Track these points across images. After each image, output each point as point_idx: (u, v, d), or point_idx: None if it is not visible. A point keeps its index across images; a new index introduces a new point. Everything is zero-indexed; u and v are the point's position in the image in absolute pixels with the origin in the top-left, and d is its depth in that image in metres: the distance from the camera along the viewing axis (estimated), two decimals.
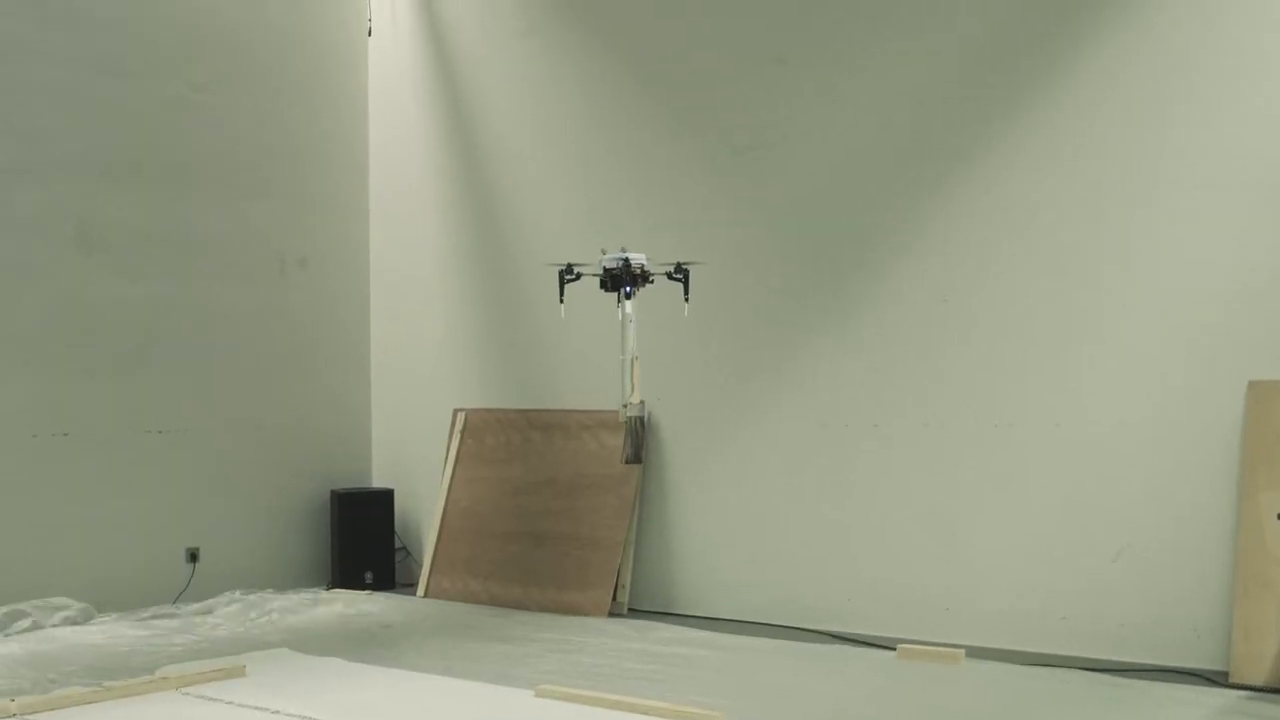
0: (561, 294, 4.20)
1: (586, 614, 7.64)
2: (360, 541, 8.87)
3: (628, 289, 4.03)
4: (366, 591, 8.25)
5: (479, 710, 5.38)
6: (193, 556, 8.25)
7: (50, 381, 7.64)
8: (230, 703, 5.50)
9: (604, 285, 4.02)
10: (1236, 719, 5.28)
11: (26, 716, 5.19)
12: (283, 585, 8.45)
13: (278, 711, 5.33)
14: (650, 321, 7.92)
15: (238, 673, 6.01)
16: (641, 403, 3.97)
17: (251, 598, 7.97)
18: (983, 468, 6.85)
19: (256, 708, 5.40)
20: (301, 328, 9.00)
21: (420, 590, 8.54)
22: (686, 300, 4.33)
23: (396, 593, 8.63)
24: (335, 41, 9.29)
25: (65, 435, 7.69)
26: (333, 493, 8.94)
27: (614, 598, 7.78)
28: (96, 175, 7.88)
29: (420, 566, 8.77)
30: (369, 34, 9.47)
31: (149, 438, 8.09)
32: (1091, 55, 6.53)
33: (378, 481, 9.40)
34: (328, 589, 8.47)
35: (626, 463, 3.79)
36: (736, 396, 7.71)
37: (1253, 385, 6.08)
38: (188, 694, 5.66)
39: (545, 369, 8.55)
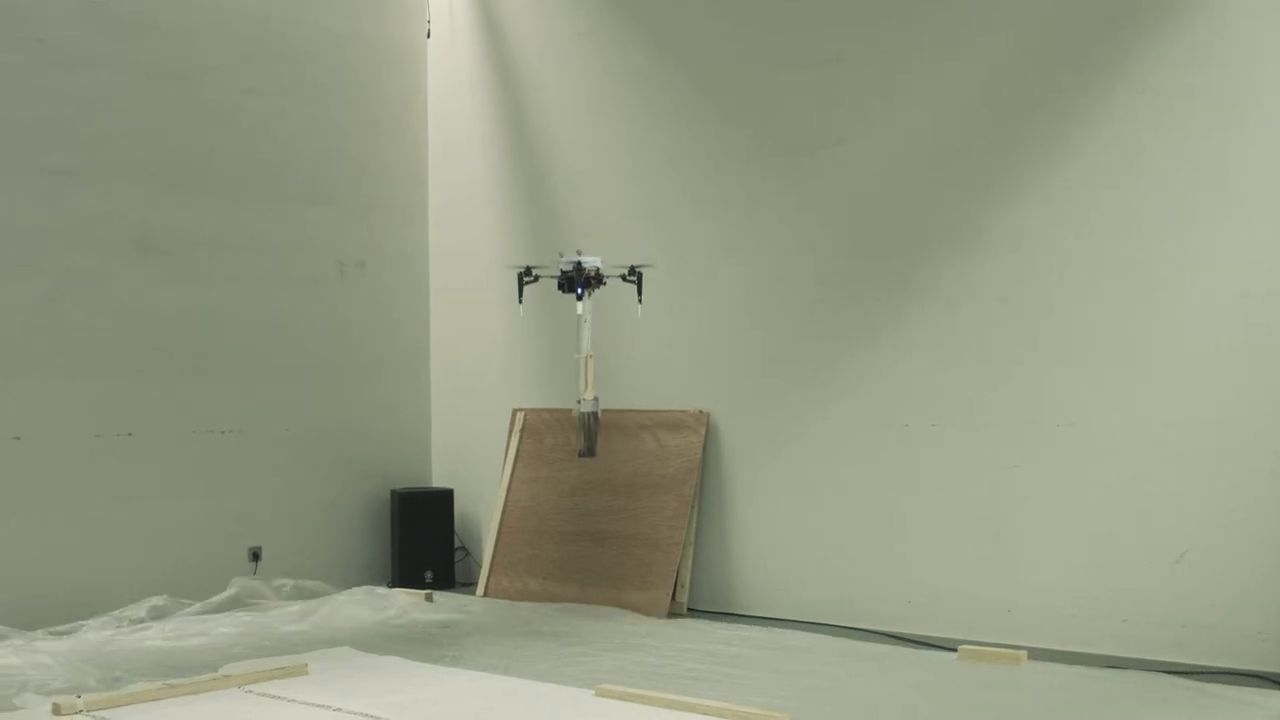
0: (520, 295, 4.37)
1: (646, 614, 7.64)
2: (420, 541, 8.92)
3: (579, 290, 4.17)
4: (426, 591, 8.29)
5: (539, 709, 5.40)
6: (255, 556, 8.33)
7: (112, 383, 7.74)
8: (293, 700, 5.54)
9: (561, 287, 4.18)
10: None
11: (92, 713, 5.25)
12: (343, 584, 8.50)
13: (340, 709, 5.37)
14: (710, 323, 7.99)
15: (300, 671, 6.05)
16: (595, 398, 4.07)
17: (313, 597, 8.02)
18: (1044, 468, 6.81)
19: (319, 705, 5.44)
20: (361, 330, 9.06)
21: (480, 589, 8.58)
22: (640, 301, 4.46)
23: (456, 592, 8.67)
24: (394, 44, 9.34)
25: (129, 436, 7.78)
26: (393, 492, 9.00)
27: (673, 597, 7.79)
28: (156, 181, 7.96)
29: (480, 566, 8.81)
30: (428, 35, 9.51)
31: (211, 439, 8.17)
32: (1159, 52, 6.47)
33: (437, 481, 9.45)
34: (388, 588, 8.51)
35: (580, 455, 3.92)
36: (795, 397, 7.70)
37: None
38: (250, 692, 5.71)
39: (604, 368, 8.53)
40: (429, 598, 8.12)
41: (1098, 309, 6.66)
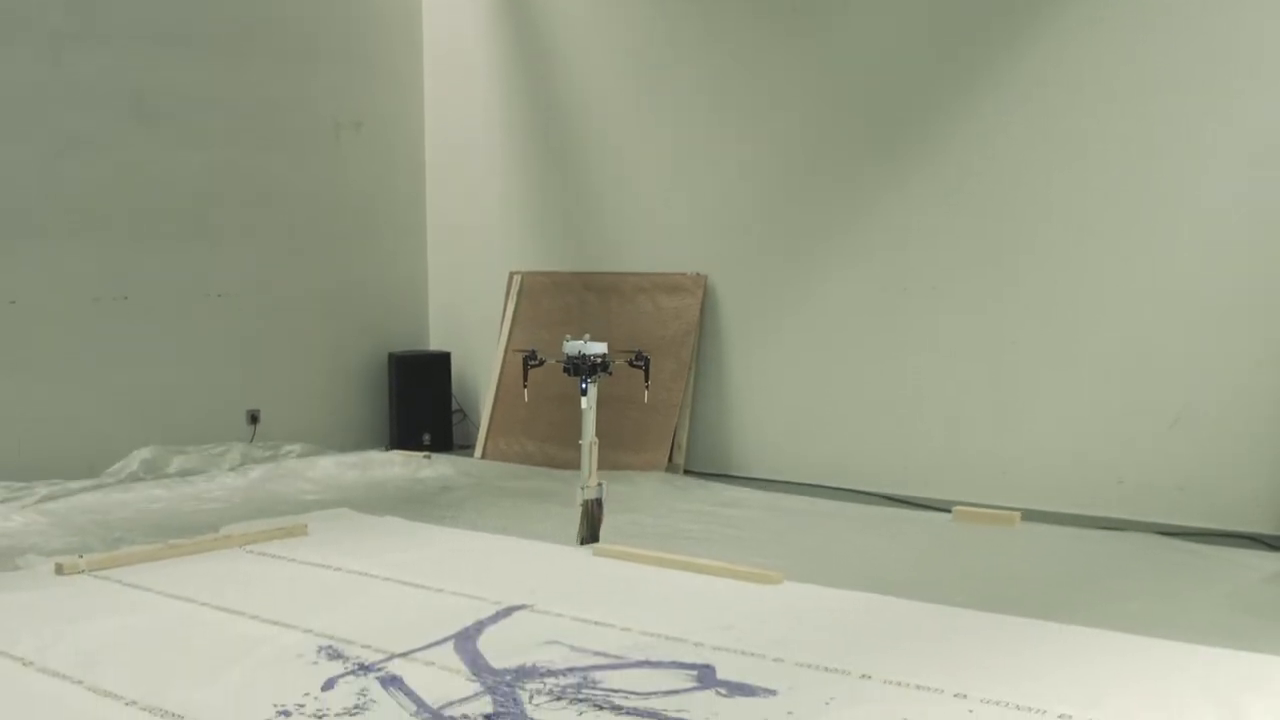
0: (525, 379, 4.33)
1: (643, 475, 7.68)
2: (418, 404, 8.95)
3: (584, 384, 4.12)
4: (424, 453, 8.33)
5: (537, 568, 5.44)
6: (253, 418, 8.36)
7: (109, 247, 7.70)
8: (293, 560, 5.59)
9: (567, 371, 4.11)
10: None
11: (94, 573, 5.30)
12: (342, 446, 8.54)
13: (339, 568, 5.42)
14: (709, 186, 7.93)
15: (299, 531, 6.10)
16: (600, 484, 4.00)
17: (311, 458, 8.06)
18: (1042, 331, 6.80)
19: (319, 565, 5.49)
20: (357, 192, 8.99)
21: (477, 452, 8.62)
22: (646, 388, 4.42)
23: (454, 454, 8.71)
24: None
25: (125, 299, 7.75)
26: (390, 355, 9.00)
27: (670, 459, 7.83)
28: (152, 42, 7.85)
29: (477, 428, 8.84)
30: None
31: (208, 302, 8.15)
32: None
33: (435, 344, 9.45)
34: (386, 450, 8.56)
35: (582, 544, 3.86)
36: (793, 260, 7.66)
37: None
38: (251, 551, 5.76)
39: (602, 231, 8.51)
40: (427, 460, 8.15)
41: (1101, 174, 6.59)
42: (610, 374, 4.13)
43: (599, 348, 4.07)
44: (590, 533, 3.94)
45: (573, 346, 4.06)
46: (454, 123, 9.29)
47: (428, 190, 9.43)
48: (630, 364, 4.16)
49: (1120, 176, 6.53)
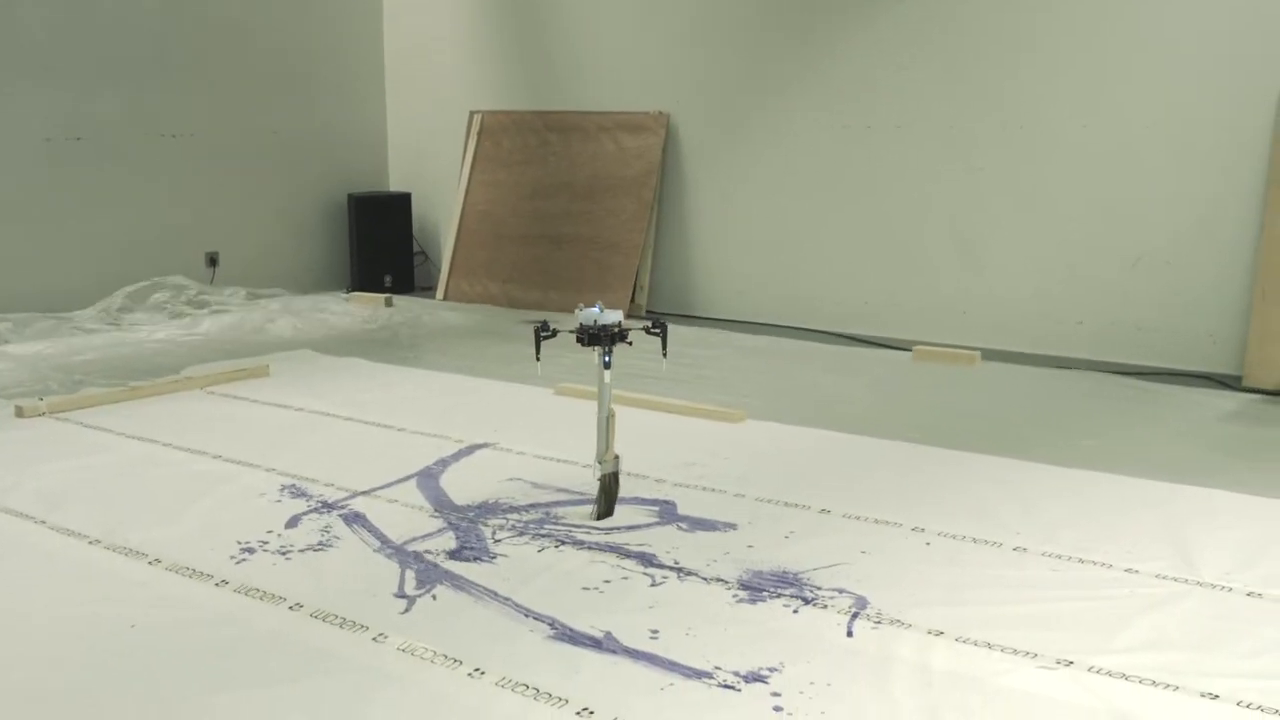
0: (538, 352, 4.06)
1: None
2: (379, 245, 8.89)
3: (608, 358, 3.89)
4: (386, 295, 8.30)
5: (500, 407, 5.46)
6: (212, 261, 8.28)
7: (61, 87, 7.53)
8: (255, 401, 5.58)
9: (580, 341, 3.88)
10: (1246, 421, 5.34)
11: (55, 415, 5.28)
12: (302, 289, 8.49)
13: (302, 409, 5.41)
14: (672, 22, 7.80)
15: (261, 373, 6.09)
16: (616, 458, 3.87)
17: (271, 300, 8.02)
18: (1006, 170, 6.78)
19: (281, 405, 5.49)
20: (314, 29, 8.81)
21: (439, 294, 8.59)
22: (664, 355, 4.22)
23: (416, 296, 8.68)
24: None
25: (78, 140, 7.61)
26: (350, 196, 8.90)
27: (633, 300, 7.82)
28: None
29: (439, 270, 8.80)
30: None
31: (163, 142, 8.02)
32: None
33: (395, 185, 9.35)
34: (347, 292, 8.51)
35: (598, 519, 3.74)
36: (757, 99, 7.58)
37: None
38: (213, 393, 5.74)
39: (563, 69, 8.39)
40: (388, 302, 8.12)
41: (1067, 17, 6.50)
42: (630, 344, 3.98)
43: (615, 315, 3.90)
44: (606, 508, 3.89)
45: (588, 315, 3.88)
46: None
47: (385, 28, 9.24)
48: (647, 331, 4.03)
49: (1087, 19, 6.44)
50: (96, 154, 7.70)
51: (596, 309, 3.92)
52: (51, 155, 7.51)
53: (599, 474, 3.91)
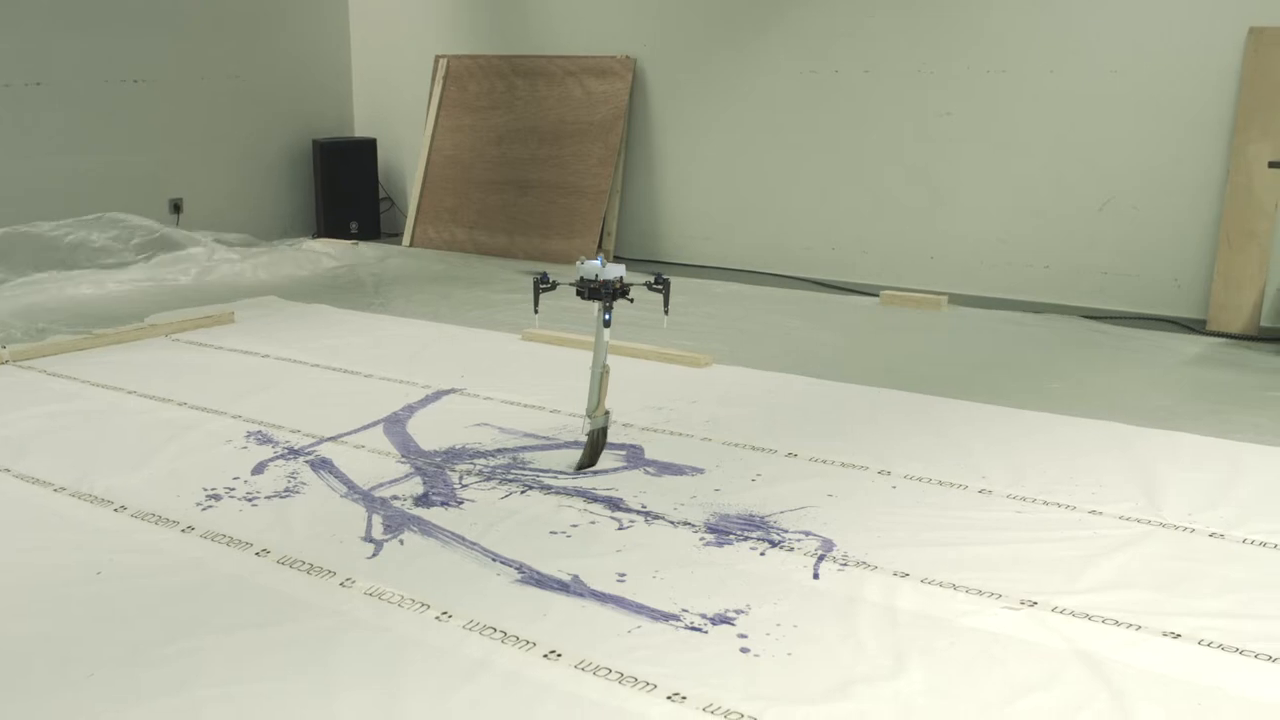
0: (536, 305, 3.96)
1: (572, 262, 7.65)
2: (344, 191, 8.82)
3: (608, 315, 3.77)
4: (352, 241, 8.25)
5: (467, 353, 5.45)
6: (176, 208, 8.21)
7: (18, 31, 7.41)
8: (220, 348, 5.55)
9: (580, 294, 3.75)
10: (1210, 364, 5.37)
11: (18, 364, 5.24)
12: (268, 235, 8.43)
13: (267, 355, 5.39)
14: None
15: (226, 319, 6.05)
16: (607, 413, 3.81)
17: (236, 247, 7.96)
18: (973, 115, 6.77)
19: (246, 352, 5.46)
20: None
21: (406, 240, 8.55)
22: (666, 313, 4.11)
23: (382, 242, 8.63)
24: None
25: (38, 85, 7.52)
26: (315, 142, 8.83)
27: (599, 246, 7.80)
28: None
29: (405, 216, 8.75)
30: None
31: (125, 88, 7.92)
32: None
33: (360, 131, 9.27)
34: (313, 239, 8.46)
35: (579, 470, 3.66)
36: (724, 43, 7.54)
37: (1253, 32, 5.94)
38: (177, 340, 5.71)
39: (530, 13, 8.32)
40: (354, 248, 8.08)
41: None
42: (631, 300, 3.87)
43: (618, 270, 3.79)
44: (590, 459, 3.84)
45: (589, 269, 3.76)
46: None
47: None
48: (650, 288, 3.94)
49: None
50: (57, 99, 7.60)
51: (598, 262, 3.84)
52: (11, 101, 7.41)
53: (588, 429, 3.89)
